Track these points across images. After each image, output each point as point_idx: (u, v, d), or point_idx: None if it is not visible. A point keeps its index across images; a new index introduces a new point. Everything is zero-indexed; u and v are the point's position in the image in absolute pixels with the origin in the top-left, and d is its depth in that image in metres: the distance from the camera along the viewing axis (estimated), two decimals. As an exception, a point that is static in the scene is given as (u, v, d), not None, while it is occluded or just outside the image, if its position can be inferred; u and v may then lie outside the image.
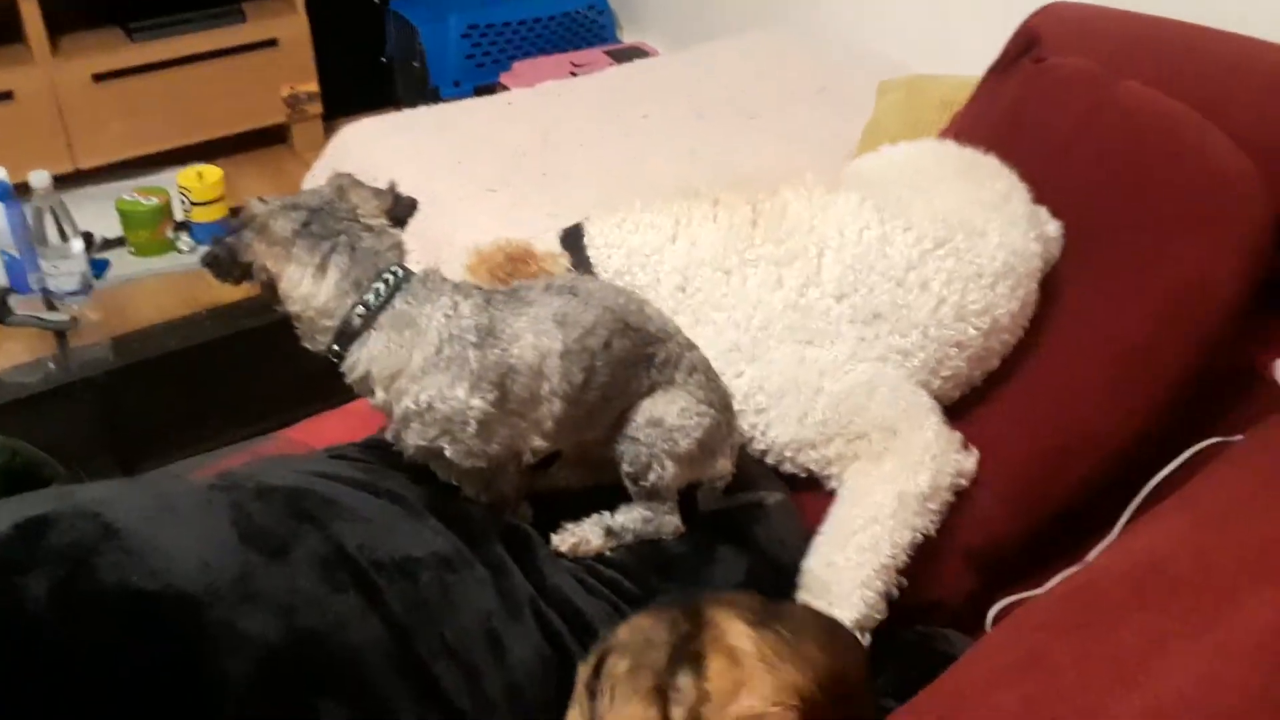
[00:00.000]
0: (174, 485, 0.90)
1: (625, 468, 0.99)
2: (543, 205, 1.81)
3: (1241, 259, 1.16)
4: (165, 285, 2.01)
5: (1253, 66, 1.32)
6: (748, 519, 1.08)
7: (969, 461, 1.14)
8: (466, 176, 1.91)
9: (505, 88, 2.84)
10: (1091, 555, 1.08)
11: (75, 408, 1.91)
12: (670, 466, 0.98)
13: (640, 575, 0.99)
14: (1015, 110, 1.42)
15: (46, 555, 0.70)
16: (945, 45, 2.24)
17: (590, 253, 1.18)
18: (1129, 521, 1.11)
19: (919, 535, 1.08)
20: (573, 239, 1.21)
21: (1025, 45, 1.50)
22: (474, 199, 1.86)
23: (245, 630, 0.73)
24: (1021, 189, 1.25)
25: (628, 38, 3.21)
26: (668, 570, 1.00)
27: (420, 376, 0.88)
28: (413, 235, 1.47)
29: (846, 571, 1.05)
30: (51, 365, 1.91)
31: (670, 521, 1.02)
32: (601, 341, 0.94)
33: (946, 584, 1.14)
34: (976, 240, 1.16)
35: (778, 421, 1.12)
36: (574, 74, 2.81)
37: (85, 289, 1.91)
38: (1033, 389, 1.20)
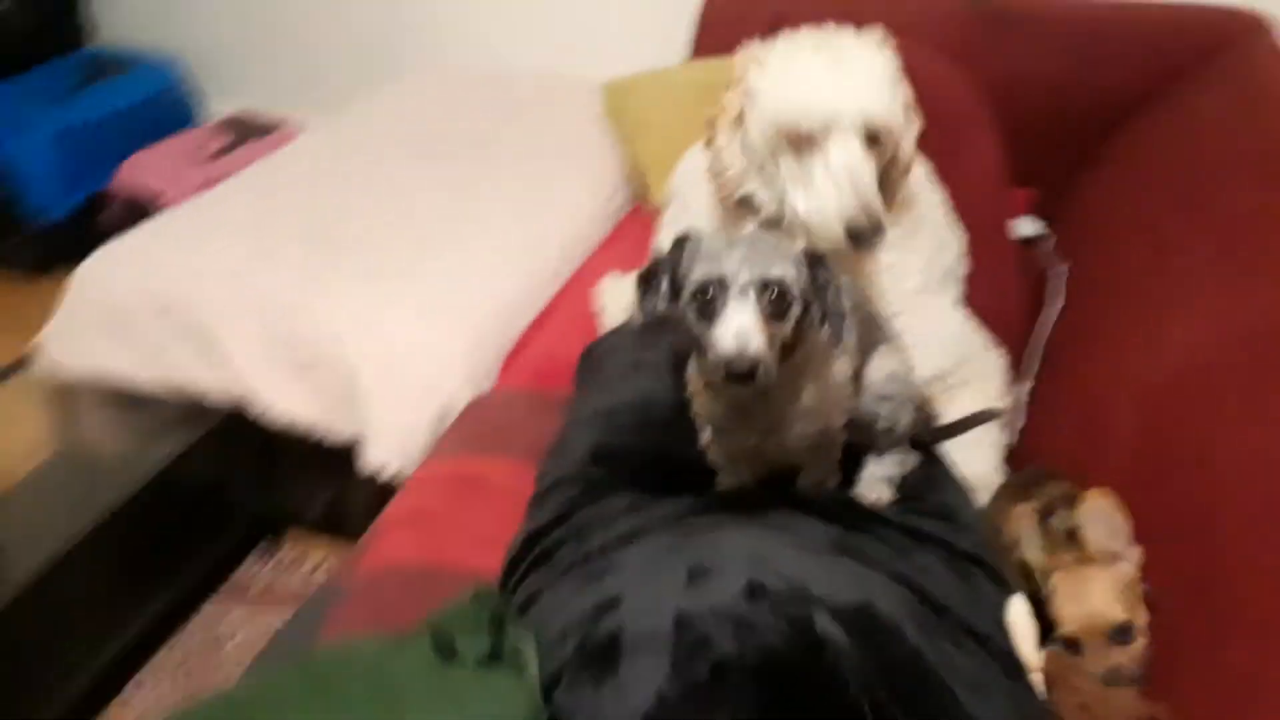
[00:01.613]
0: (730, 542, 0.96)
1: (883, 424, 1.09)
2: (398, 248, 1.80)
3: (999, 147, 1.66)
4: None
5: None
6: (931, 438, 1.23)
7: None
8: (287, 261, 1.78)
9: (137, 187, 2.56)
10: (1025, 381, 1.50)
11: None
12: (911, 410, 1.12)
13: (924, 498, 1.14)
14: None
15: (791, 599, 0.84)
16: (593, 46, 2.51)
17: None
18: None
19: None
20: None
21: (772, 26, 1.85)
22: (316, 277, 1.75)
23: (876, 610, 0.88)
24: None
25: (221, 108, 3.01)
26: (930, 486, 1.16)
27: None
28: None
29: (978, 464, 1.31)
30: None
31: (913, 456, 1.16)
32: (856, 300, 1.01)
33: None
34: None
35: (919, 364, 1.29)
36: (213, 157, 2.64)
37: None
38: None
